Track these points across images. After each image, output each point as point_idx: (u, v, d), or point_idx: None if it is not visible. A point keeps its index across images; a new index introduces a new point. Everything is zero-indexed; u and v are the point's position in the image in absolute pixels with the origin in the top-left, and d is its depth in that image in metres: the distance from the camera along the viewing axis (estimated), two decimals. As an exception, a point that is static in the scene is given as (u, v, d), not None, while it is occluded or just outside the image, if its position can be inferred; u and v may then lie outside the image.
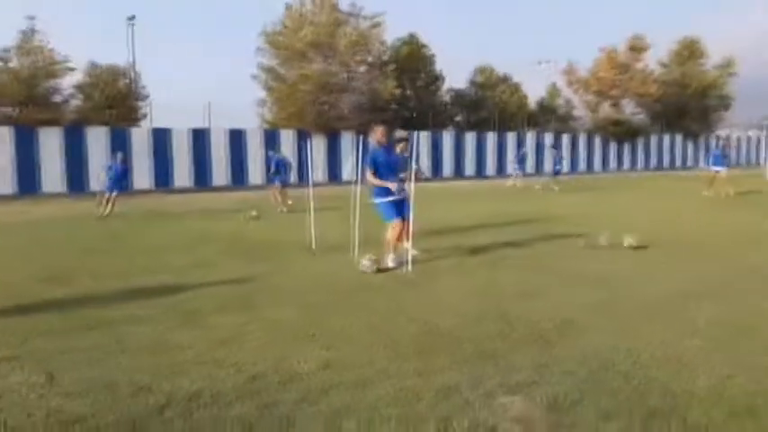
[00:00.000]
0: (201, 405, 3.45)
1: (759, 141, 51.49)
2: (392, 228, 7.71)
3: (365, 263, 7.33)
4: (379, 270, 7.28)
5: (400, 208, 7.78)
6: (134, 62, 33.01)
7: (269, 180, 18.27)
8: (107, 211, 14.64)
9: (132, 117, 31.36)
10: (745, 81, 48.34)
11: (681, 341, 4.52)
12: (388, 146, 7.95)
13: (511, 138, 39.03)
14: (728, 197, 17.69)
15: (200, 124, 29.94)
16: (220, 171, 29.76)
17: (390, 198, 7.72)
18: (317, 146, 31.83)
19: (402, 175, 7.82)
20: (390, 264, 7.57)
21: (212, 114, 30.51)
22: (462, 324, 5.01)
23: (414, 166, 8.18)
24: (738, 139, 51.64)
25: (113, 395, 3.60)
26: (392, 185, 7.62)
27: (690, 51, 47.59)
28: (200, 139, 29.41)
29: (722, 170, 18.94)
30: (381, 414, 3.31)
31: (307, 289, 6.43)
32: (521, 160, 27.84)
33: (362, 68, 35.45)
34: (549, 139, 40.28)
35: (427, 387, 3.67)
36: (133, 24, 33.11)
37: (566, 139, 41.02)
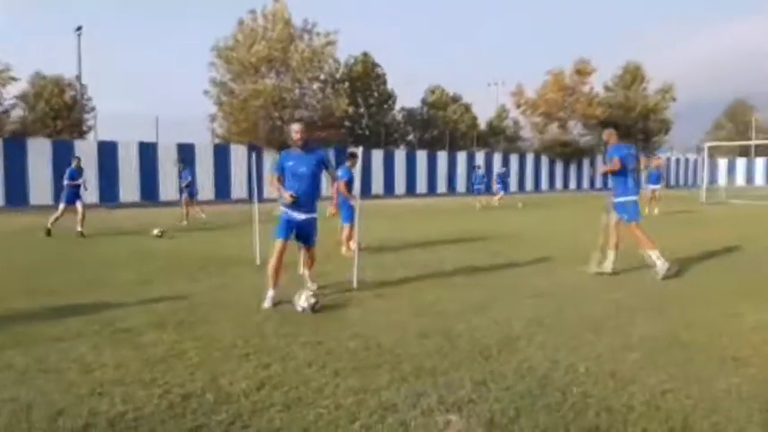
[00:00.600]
0: (122, 429, 3.25)
1: (696, 164, 53.63)
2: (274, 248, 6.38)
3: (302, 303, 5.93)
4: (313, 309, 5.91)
5: (291, 227, 6.45)
6: (80, 73, 32.09)
7: (183, 193, 17.70)
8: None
9: (78, 129, 30.44)
10: (682, 106, 50.46)
11: (618, 355, 4.55)
12: (308, 150, 6.46)
13: (461, 157, 39.52)
14: (653, 216, 18.26)
15: (148, 138, 29.26)
16: (168, 185, 29.09)
17: (286, 211, 6.42)
18: (270, 161, 31.52)
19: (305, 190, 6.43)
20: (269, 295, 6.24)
21: (161, 128, 29.87)
22: (404, 341, 4.93)
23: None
24: (678, 161, 53.72)
25: (27, 419, 3.36)
26: (286, 196, 6.26)
27: (633, 76, 49.52)
28: (148, 152, 28.72)
29: (657, 188, 19.84)
30: (313, 435, 3.19)
31: (247, 306, 6.24)
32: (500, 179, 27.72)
33: (315, 85, 35.47)
34: (498, 158, 40.95)
35: (364, 406, 3.57)
36: (80, 35, 32.18)
37: (514, 159, 41.76)
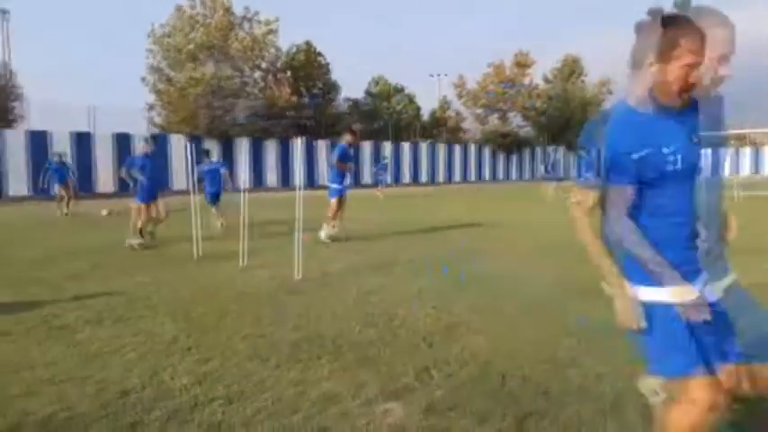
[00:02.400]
0: (54, 429, 3.15)
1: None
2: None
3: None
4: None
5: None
6: (8, 59, 30.58)
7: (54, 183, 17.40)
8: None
9: (6, 118, 29.01)
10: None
11: (556, 340, 4.70)
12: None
13: (406, 147, 39.76)
14: None
15: (83, 128, 28.16)
16: (106, 177, 28.16)
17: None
18: (211, 152, 30.87)
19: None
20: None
21: (97, 117, 28.81)
22: (346, 331, 4.95)
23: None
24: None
25: (-49, 423, 3.21)
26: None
27: (571, 69, 50.85)
28: (83, 143, 27.66)
29: None
30: (253, 429, 3.17)
31: (188, 299, 6.13)
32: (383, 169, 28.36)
33: (257, 74, 34.94)
34: (442, 149, 41.38)
35: (306, 397, 3.57)
36: (7, 20, 30.66)
37: (457, 150, 42.30)
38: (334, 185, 10.82)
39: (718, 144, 2.63)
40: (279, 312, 5.60)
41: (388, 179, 26.08)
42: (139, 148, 11.09)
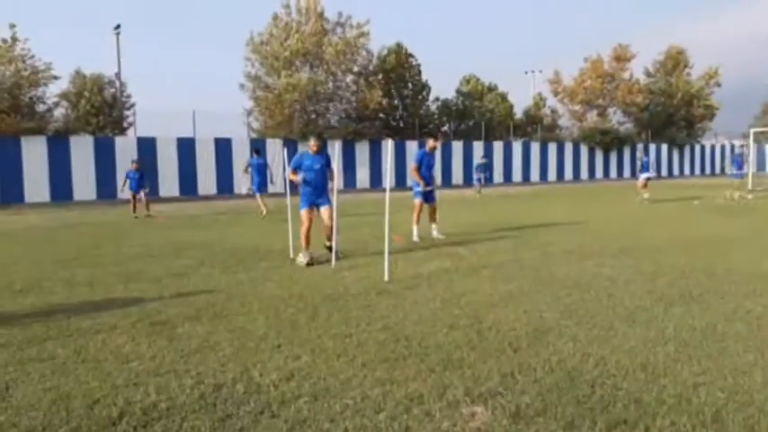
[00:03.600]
0: (156, 418, 3.35)
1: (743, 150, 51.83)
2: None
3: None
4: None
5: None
6: (120, 71, 32.86)
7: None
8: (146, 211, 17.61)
9: (118, 126, 31.19)
10: (728, 91, 48.94)
11: (651, 348, 4.48)
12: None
13: (498, 147, 39.14)
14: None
15: (185, 133, 29.79)
16: (209, 180, 29.64)
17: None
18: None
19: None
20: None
21: (198, 122, 30.36)
22: (432, 333, 4.94)
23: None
24: (723, 148, 52.14)
25: (66, 408, 3.49)
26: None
27: (675, 61, 48.18)
28: (186, 148, 29.26)
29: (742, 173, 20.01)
30: (338, 426, 3.23)
31: (280, 298, 6.34)
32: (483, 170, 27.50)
33: (349, 77, 35.58)
34: (536, 148, 40.39)
35: (390, 397, 3.60)
36: (118, 33, 32.94)
37: (552, 148, 41.14)
38: (417, 187, 10.97)
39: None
40: (367, 313, 5.68)
41: (484, 179, 25.65)
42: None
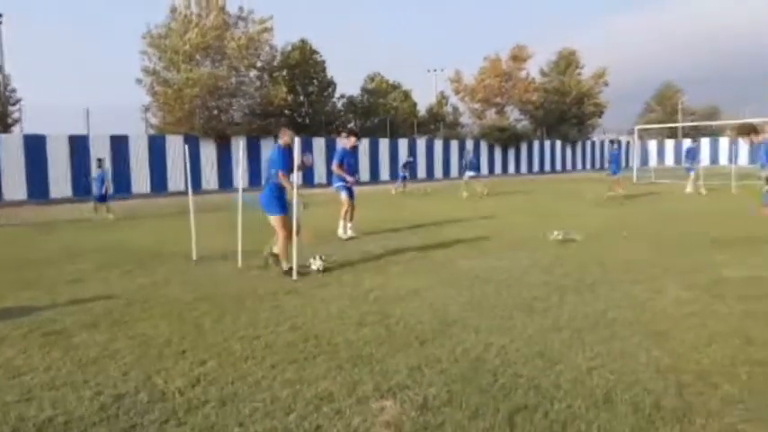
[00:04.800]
0: (51, 434, 3.18)
1: (629, 146, 55.49)
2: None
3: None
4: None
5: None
6: (2, 63, 30.51)
7: None
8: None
9: (2, 122, 28.97)
10: (616, 90, 52.19)
11: (548, 335, 4.74)
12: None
13: (403, 144, 39.71)
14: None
15: (78, 130, 28.09)
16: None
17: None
18: (208, 152, 30.88)
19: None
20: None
21: (92, 119, 28.72)
22: (341, 330, 4.98)
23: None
24: (611, 144, 55.47)
25: (-52, 430, 3.24)
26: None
27: (567, 62, 50.82)
28: (79, 146, 27.60)
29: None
30: (248, 430, 3.20)
31: (184, 301, 6.16)
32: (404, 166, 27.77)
33: (253, 73, 34.90)
34: (439, 145, 41.31)
35: (300, 397, 3.61)
36: (0, 23, 30.53)
37: (454, 145, 42.22)
38: (339, 182, 10.99)
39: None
40: (275, 313, 5.63)
41: (407, 177, 26.00)
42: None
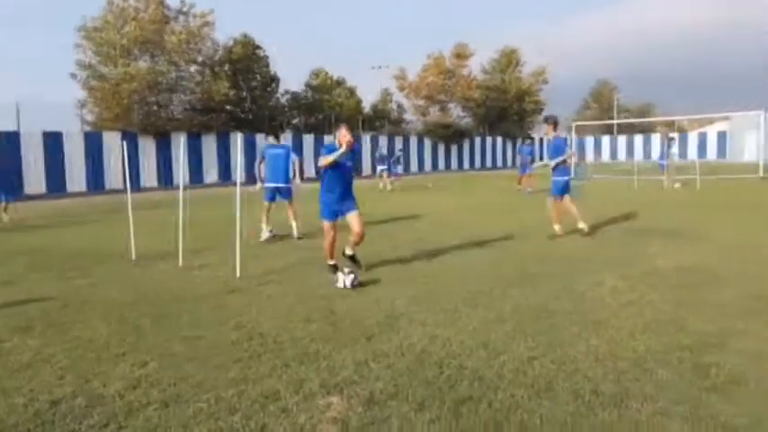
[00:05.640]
0: (-20, 443, 3.04)
1: (566, 142, 56.97)
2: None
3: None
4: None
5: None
6: None
7: None
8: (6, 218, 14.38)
9: None
10: (554, 88, 53.58)
11: (491, 327, 4.83)
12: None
13: (348, 140, 39.54)
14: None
15: (7, 126, 26.80)
16: (36, 178, 26.90)
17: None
18: (147, 148, 30.01)
19: None
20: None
21: (23, 115, 27.47)
22: (287, 328, 4.94)
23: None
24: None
25: None
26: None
27: (508, 60, 51.81)
28: (9, 143, 26.32)
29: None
30: (192, 431, 3.14)
31: (123, 302, 5.97)
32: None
33: (193, 68, 34.13)
34: (383, 142, 41.41)
35: (245, 397, 3.56)
36: None
37: (398, 141, 42.43)
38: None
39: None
40: (219, 312, 5.53)
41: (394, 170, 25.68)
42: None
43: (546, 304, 5.54)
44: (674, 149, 25.43)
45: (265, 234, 10.22)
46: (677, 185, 20.42)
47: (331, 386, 3.68)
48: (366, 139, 40.38)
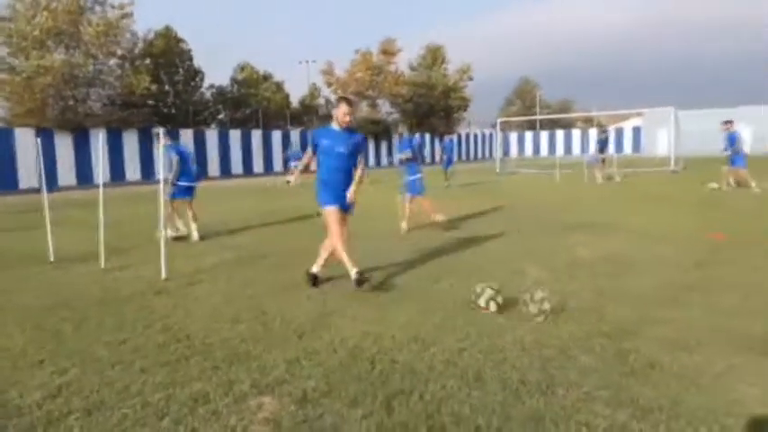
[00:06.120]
0: None
1: (492, 138, 58.48)
2: None
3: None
4: None
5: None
6: None
7: None
8: None
9: None
10: (478, 84, 54.76)
11: (421, 320, 4.90)
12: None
13: (276, 136, 39.14)
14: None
15: None
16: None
17: None
18: (64, 145, 28.63)
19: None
20: None
21: None
22: (216, 329, 4.85)
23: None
24: (476, 136, 58.30)
25: None
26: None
27: (434, 56, 52.57)
28: None
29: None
30: (117, 438, 3.04)
31: (41, 307, 5.68)
32: None
33: (112, 61, 32.81)
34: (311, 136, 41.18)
35: (174, 400, 3.47)
36: None
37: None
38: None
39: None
40: (144, 315, 5.36)
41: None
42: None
43: (472, 296, 5.67)
44: (611, 144, 26.40)
45: (175, 233, 9.96)
46: (618, 179, 21.37)
47: (262, 386, 3.65)
48: (295, 135, 40.02)
